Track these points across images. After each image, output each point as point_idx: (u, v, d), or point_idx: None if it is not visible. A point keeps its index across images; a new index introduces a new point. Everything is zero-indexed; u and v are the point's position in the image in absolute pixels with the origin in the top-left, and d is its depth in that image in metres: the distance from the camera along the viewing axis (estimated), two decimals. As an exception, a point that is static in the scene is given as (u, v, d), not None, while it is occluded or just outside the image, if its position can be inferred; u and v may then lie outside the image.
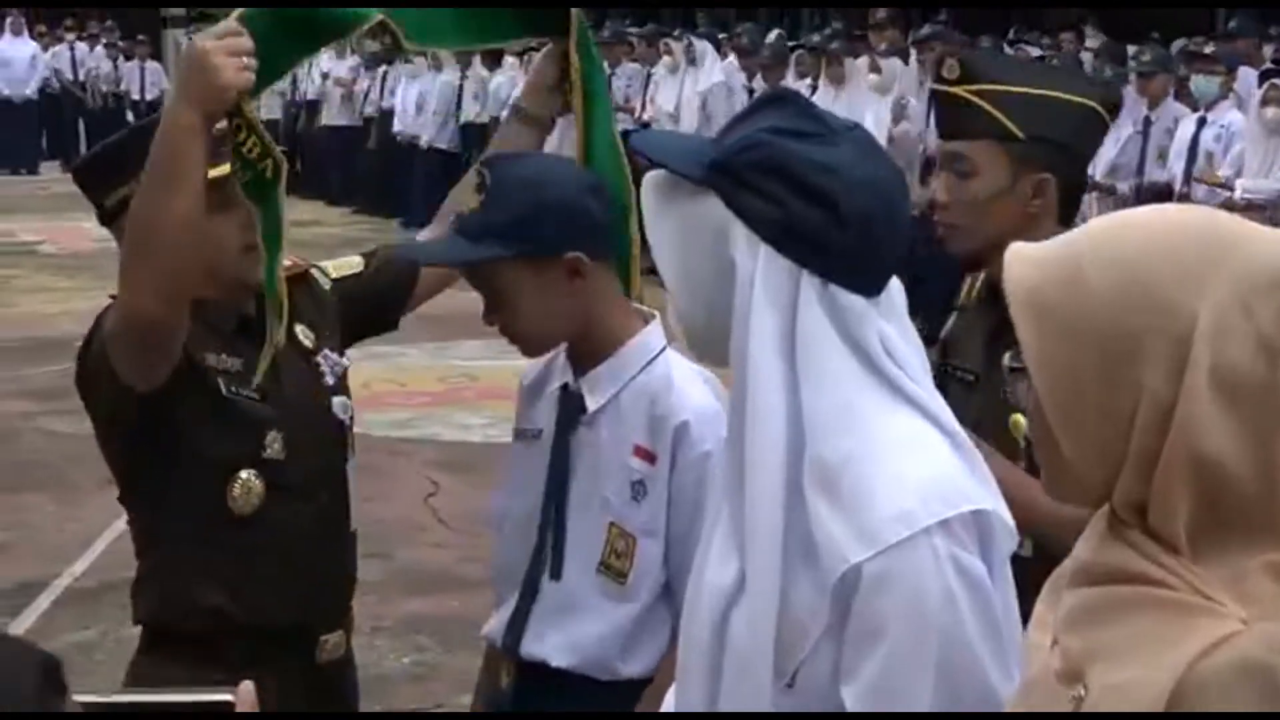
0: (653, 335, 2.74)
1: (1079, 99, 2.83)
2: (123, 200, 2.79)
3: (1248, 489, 1.46)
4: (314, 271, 3.07)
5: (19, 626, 6.41)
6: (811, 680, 1.87)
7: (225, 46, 2.53)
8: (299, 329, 2.96)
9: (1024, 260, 1.55)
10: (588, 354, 2.73)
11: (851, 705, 1.83)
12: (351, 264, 3.13)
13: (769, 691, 1.88)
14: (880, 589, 1.81)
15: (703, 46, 14.47)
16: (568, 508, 2.73)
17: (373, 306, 3.13)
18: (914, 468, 1.85)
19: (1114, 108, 2.98)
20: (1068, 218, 2.81)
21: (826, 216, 1.88)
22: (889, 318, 1.92)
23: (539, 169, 2.74)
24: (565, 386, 2.76)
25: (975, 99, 2.79)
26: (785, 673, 1.88)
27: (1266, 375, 1.45)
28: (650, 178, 1.99)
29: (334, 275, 3.09)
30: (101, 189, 2.87)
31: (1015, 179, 2.77)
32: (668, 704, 2.18)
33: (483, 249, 2.64)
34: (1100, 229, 1.55)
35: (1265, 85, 9.86)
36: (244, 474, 2.84)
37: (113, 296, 2.76)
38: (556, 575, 2.73)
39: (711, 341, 1.97)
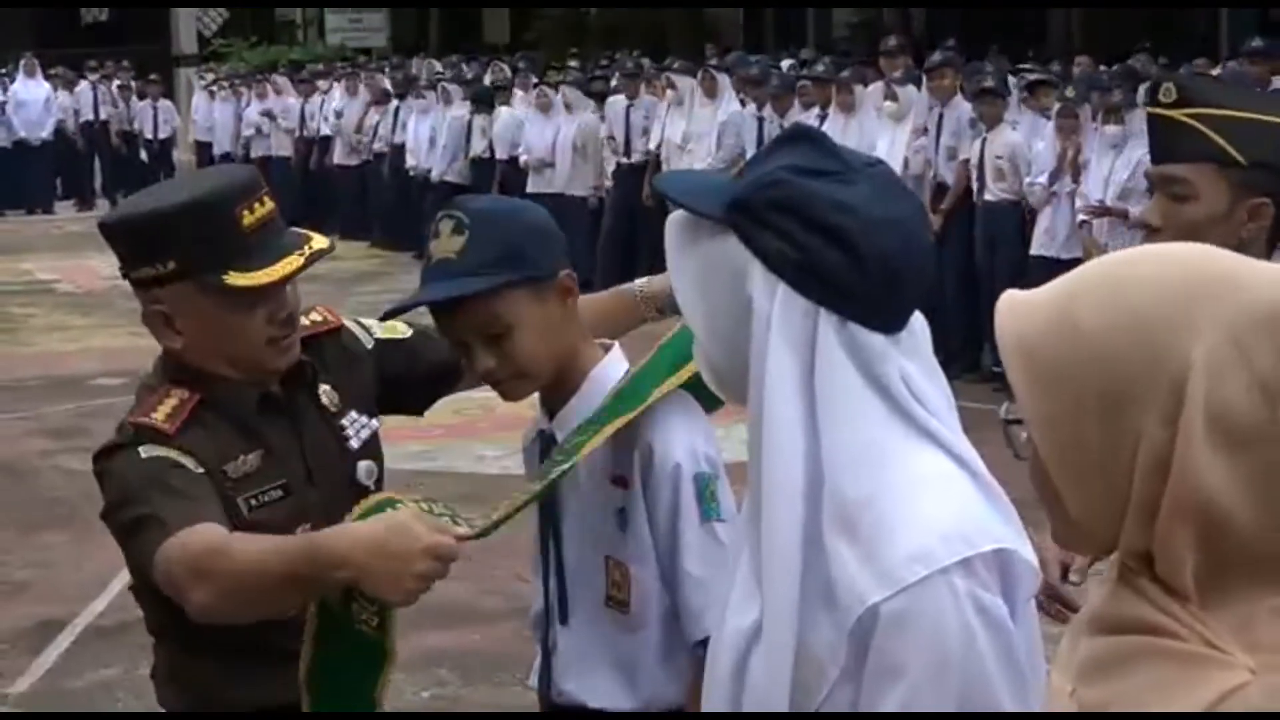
0: (611, 364, 2.70)
1: None
2: (147, 279, 2.72)
3: (1250, 532, 1.42)
4: (352, 327, 2.97)
5: (41, 665, 6.42)
6: (831, 724, 1.84)
7: (428, 570, 2.42)
8: (323, 390, 2.87)
9: (1015, 308, 1.51)
10: (560, 391, 2.69)
11: None
12: (398, 330, 3.00)
13: None
14: (898, 629, 1.79)
15: (723, 79, 14.51)
16: (564, 552, 2.72)
17: (406, 382, 2.98)
18: (936, 506, 1.82)
19: None
20: (1277, 240, 2.81)
21: (844, 256, 1.86)
22: (911, 356, 1.90)
23: (503, 202, 2.77)
24: (542, 433, 2.75)
25: (1193, 122, 2.78)
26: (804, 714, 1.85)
27: (1263, 414, 1.41)
28: (673, 217, 1.98)
29: (378, 335, 2.97)
30: (126, 256, 2.75)
31: (1233, 204, 2.77)
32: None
33: (485, 280, 2.56)
34: (1092, 272, 1.51)
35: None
36: None
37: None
38: (564, 620, 2.73)
39: (734, 380, 1.95)
